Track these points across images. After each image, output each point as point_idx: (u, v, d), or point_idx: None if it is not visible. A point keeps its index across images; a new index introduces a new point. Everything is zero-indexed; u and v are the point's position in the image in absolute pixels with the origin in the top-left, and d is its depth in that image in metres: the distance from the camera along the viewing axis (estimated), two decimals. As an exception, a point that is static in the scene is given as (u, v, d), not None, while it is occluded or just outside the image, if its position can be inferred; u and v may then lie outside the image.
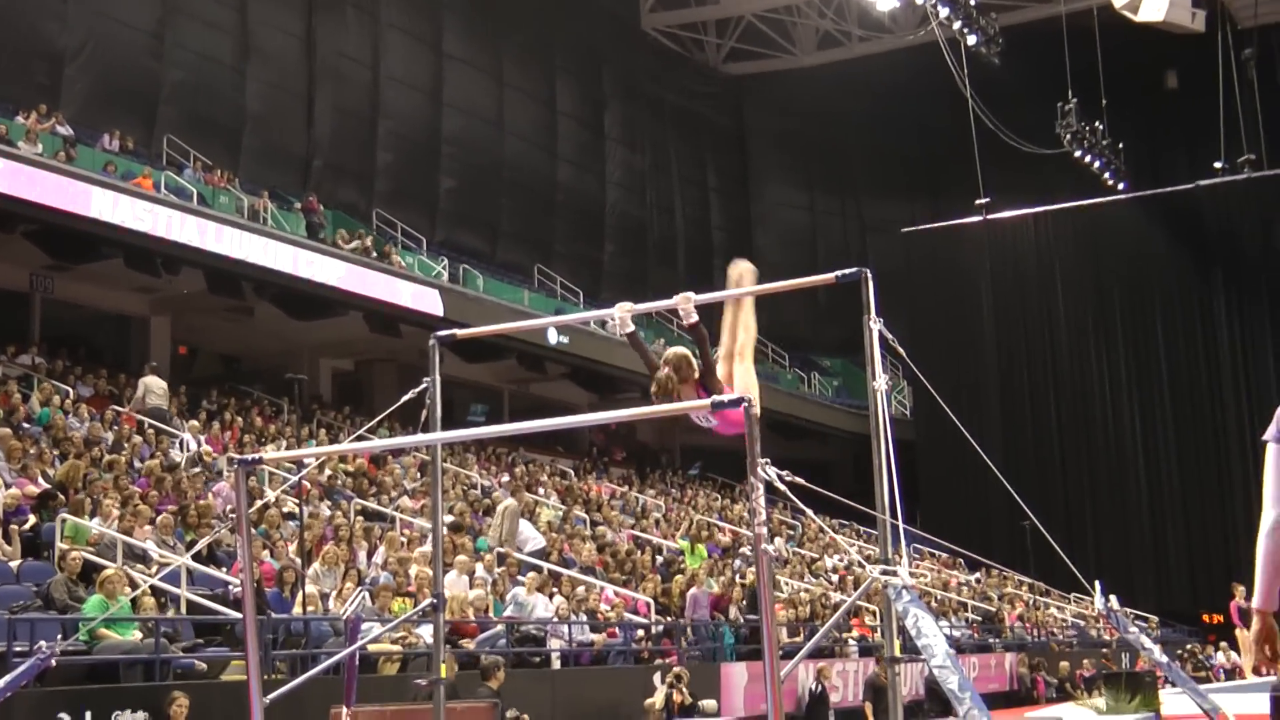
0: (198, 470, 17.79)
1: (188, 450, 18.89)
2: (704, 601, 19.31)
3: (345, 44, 32.28)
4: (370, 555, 16.41)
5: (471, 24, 35.74)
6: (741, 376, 7.88)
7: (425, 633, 13.58)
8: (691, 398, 7.29)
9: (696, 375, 7.51)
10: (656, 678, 16.18)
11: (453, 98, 34.85)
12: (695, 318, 7.85)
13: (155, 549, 13.65)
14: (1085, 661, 26.26)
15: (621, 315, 8.16)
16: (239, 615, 10.33)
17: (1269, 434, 6.60)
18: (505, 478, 25.09)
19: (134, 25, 27.71)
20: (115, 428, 18.73)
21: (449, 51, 34.88)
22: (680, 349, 7.68)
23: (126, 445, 17.83)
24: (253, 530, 14.94)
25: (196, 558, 13.68)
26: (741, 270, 8.29)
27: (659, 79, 42.46)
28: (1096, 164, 35.12)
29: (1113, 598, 11.42)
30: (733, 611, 19.81)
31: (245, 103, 29.81)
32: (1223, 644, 30.51)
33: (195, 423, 20.46)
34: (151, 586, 12.39)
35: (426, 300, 26.48)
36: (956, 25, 31.76)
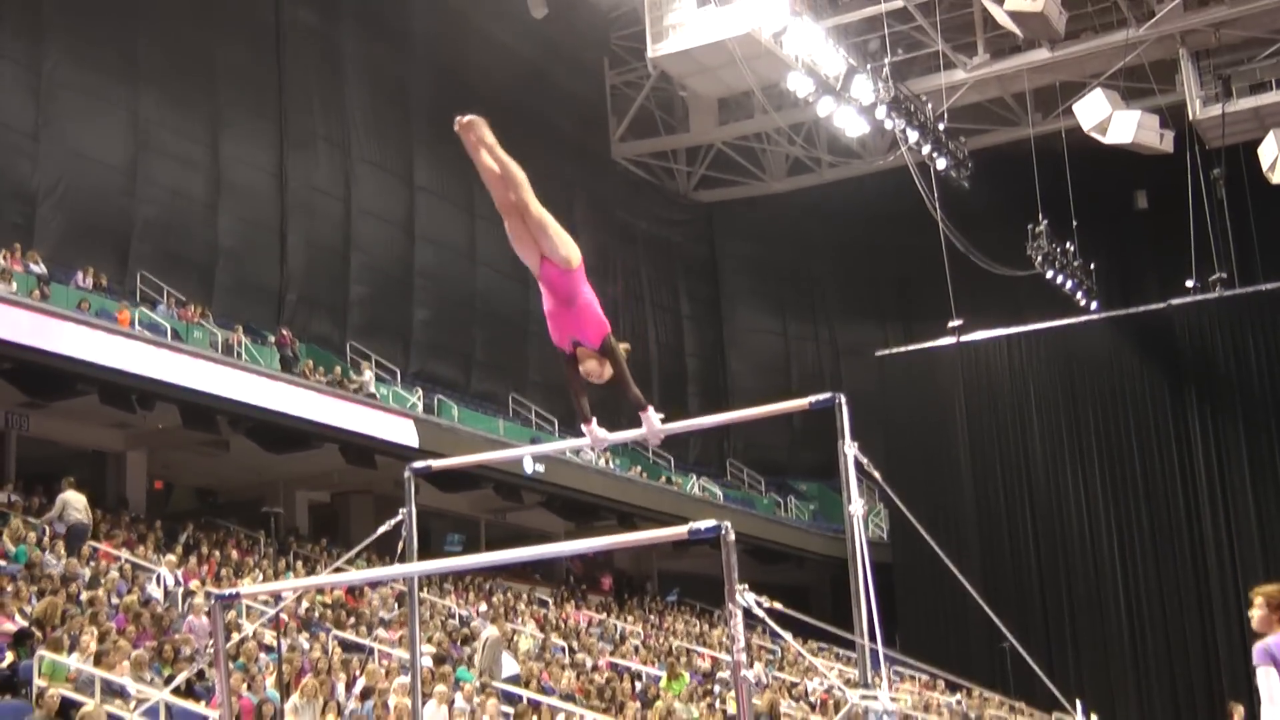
0: (168, 604, 17.79)
1: (164, 584, 18.89)
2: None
3: (317, 178, 32.60)
4: (349, 687, 16.41)
5: (442, 156, 36.07)
6: (547, 229, 8.20)
7: (406, 765, 13.59)
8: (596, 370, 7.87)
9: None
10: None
11: (425, 229, 35.17)
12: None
13: (133, 685, 13.66)
14: (1070, 785, 26.14)
15: (595, 441, 8.36)
16: (220, 750, 10.37)
17: (1255, 660, 7.39)
18: (483, 607, 25.06)
19: (106, 162, 28.00)
20: (91, 563, 18.75)
21: (420, 184, 35.25)
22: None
23: (103, 581, 17.84)
24: (231, 664, 14.99)
25: (175, 692, 13.70)
26: (463, 121, 8.37)
27: (630, 207, 42.88)
28: (1068, 284, 35.50)
29: (1094, 717, 11.55)
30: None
31: (218, 238, 30.04)
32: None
33: (172, 557, 20.46)
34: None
35: (401, 431, 26.60)
36: (925, 150, 32.24)
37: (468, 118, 8.24)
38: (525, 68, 38.09)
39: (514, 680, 19.32)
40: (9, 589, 15.86)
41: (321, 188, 32.69)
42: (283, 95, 32.05)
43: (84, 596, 16.49)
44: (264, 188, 31.50)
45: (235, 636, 15.37)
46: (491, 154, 8.16)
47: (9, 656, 13.81)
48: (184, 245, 29.22)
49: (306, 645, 17.71)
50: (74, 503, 20.11)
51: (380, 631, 20.34)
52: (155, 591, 18.43)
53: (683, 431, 8.35)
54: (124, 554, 20.08)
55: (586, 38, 40.41)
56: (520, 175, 8.13)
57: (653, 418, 8.18)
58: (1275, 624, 8.16)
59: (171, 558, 20.34)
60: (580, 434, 8.58)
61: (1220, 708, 28.61)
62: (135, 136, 28.61)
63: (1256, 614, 8.26)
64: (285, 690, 14.66)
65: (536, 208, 8.10)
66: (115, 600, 17.20)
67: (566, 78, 39.99)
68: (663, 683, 22.78)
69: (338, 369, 28.55)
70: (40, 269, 23.93)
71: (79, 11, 27.80)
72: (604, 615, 29.84)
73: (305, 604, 19.97)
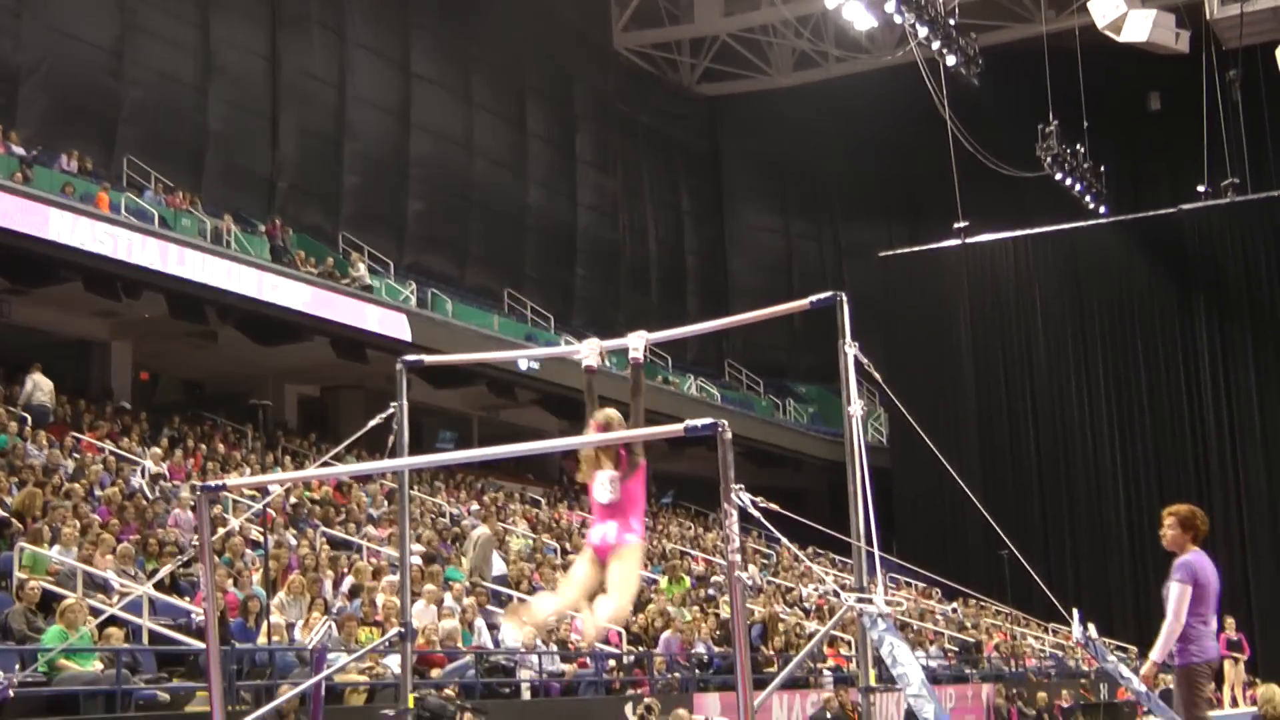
0: (157, 496, 17.80)
1: (148, 476, 18.89)
2: (675, 646, 19.26)
3: (311, 63, 32.31)
4: (337, 585, 16.43)
5: (440, 43, 35.82)
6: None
7: (392, 663, 13.63)
8: (610, 464, 7.22)
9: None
10: (628, 708, 16.23)
11: (421, 119, 34.93)
12: (640, 357, 7.94)
13: (116, 578, 13.66)
14: (1064, 692, 26.31)
15: (590, 351, 8.26)
16: (202, 645, 10.38)
17: (1175, 577, 7.69)
18: (474, 506, 25.11)
19: (92, 42, 27.70)
20: (75, 455, 18.73)
21: (417, 71, 34.97)
22: (615, 412, 7.58)
23: (87, 472, 17.82)
24: (216, 559, 14.99)
25: (159, 587, 13.70)
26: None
27: (631, 100, 42.58)
28: (1077, 187, 35.28)
29: (1091, 627, 11.56)
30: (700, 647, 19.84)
31: (208, 123, 29.82)
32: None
33: (157, 449, 20.44)
34: (113, 616, 12.40)
35: (394, 325, 26.52)
36: (935, 45, 31.88)
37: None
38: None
39: (501, 580, 19.37)
40: (-11, 478, 15.84)
41: (315, 73, 32.41)
42: (277, -28, 31.71)
43: (65, 488, 16.45)
44: (255, 72, 31.23)
45: (221, 531, 15.35)
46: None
47: (-11, 547, 13.80)
48: (172, 130, 28.99)
49: (294, 541, 17.72)
50: (41, 385, 20.39)
51: (369, 529, 20.35)
52: (140, 483, 18.41)
53: (679, 337, 8.23)
54: (108, 445, 20.05)
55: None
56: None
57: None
58: (1187, 542, 8.46)
59: (157, 450, 20.34)
60: (574, 333, 8.49)
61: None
62: (122, 15, 28.27)
63: (1169, 533, 8.53)
64: (272, 587, 14.66)
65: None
66: (99, 492, 17.18)
67: (569, -39, 39.66)
68: (662, 583, 22.85)
69: (329, 260, 28.44)
70: (22, 151, 23.71)
71: (64, -117, 27.40)
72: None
73: (293, 499, 19.97)
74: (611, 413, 7.58)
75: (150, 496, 17.74)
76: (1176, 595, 8.30)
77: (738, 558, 5.94)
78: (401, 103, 34.60)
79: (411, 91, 34.82)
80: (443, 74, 35.70)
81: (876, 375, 8.47)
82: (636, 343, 8.00)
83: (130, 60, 28.34)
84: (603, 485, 7.22)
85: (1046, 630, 32.56)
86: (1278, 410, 35.01)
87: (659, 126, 43.93)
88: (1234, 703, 22.14)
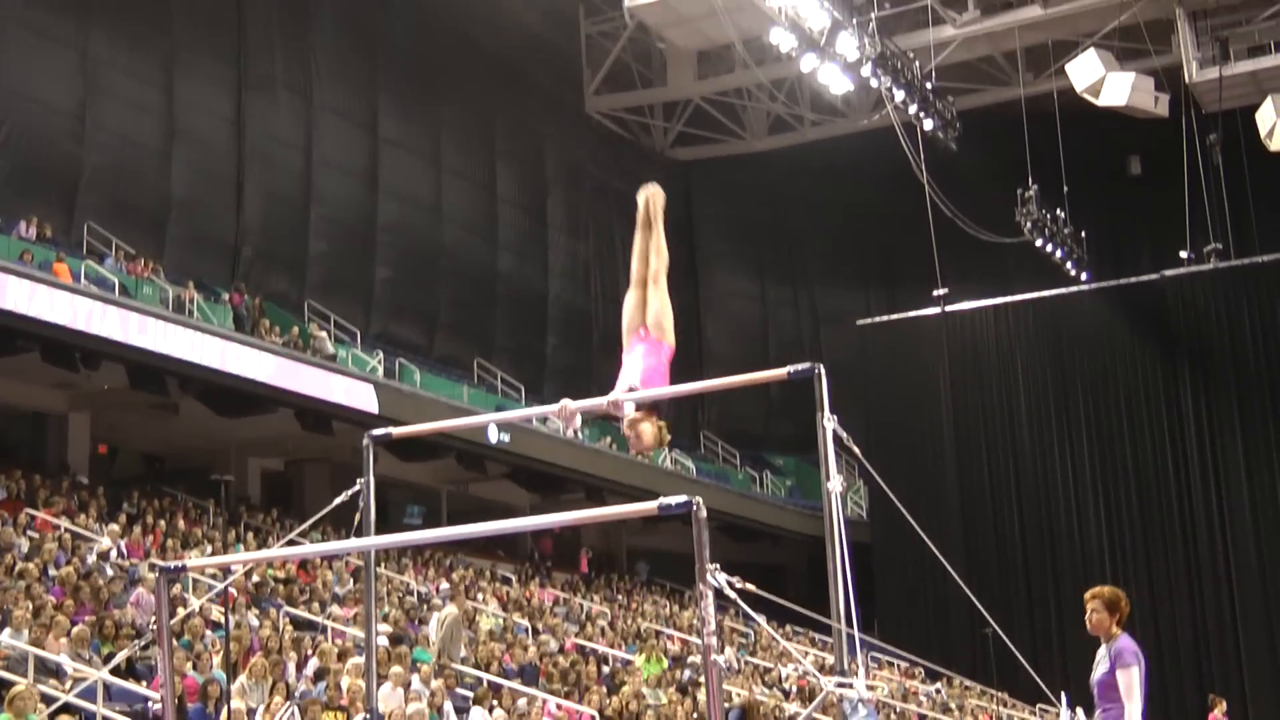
0: (114, 576, 17.63)
1: (106, 555, 18.71)
2: None
3: (276, 126, 32.32)
4: (300, 667, 16.27)
5: (408, 106, 35.88)
6: (658, 304, 8.65)
7: (358, 749, 13.48)
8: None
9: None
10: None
11: (389, 183, 34.93)
12: (626, 413, 8.11)
13: (70, 663, 13.49)
14: (1051, 776, 26.19)
15: (566, 414, 8.30)
16: (160, 733, 10.23)
17: (1123, 662, 7.75)
18: (443, 584, 24.95)
19: (53, 106, 27.66)
20: (30, 533, 18.56)
21: (385, 135, 35.01)
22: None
23: (41, 551, 17.64)
24: (175, 642, 14.83)
25: (115, 672, 13.53)
26: (650, 193, 8.78)
27: (603, 164, 42.65)
28: (1058, 253, 35.46)
29: (1079, 710, 11.49)
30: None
31: (170, 188, 29.76)
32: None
33: (115, 526, 20.28)
34: (66, 704, 12.24)
35: (361, 396, 26.43)
36: (912, 109, 32.11)
37: (653, 187, 8.81)
38: (498, 13, 37.82)
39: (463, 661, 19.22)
40: (-60, 557, 15.67)
41: (281, 136, 32.41)
42: (242, 35, 31.70)
43: (19, 567, 16.28)
44: (220, 135, 31.22)
45: (181, 612, 15.20)
46: (655, 229, 8.72)
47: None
48: (134, 195, 28.93)
49: (256, 622, 17.56)
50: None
51: (334, 609, 20.19)
52: (97, 563, 18.24)
53: (653, 400, 8.26)
54: (64, 522, 19.88)
55: (561, -18, 40.17)
56: (666, 256, 8.76)
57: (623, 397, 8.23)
58: (1113, 625, 8.59)
59: (115, 527, 20.17)
60: (546, 402, 8.59)
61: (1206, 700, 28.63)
62: (84, 78, 28.24)
63: (1094, 617, 8.66)
64: (233, 670, 14.51)
65: (664, 289, 8.72)
66: (53, 571, 17.01)
67: (539, 24, 39.65)
68: (639, 661, 22.70)
69: (295, 329, 28.37)
70: (-20, 219, 23.66)
71: (23, -57, 27.46)
72: (570, 594, 29.76)
73: (255, 578, 19.81)
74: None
75: (107, 576, 17.57)
76: (1133, 680, 8.37)
77: (714, 641, 5.88)
78: (369, 167, 34.62)
79: (379, 155, 34.85)
80: (411, 137, 35.76)
81: (855, 449, 8.45)
82: (563, 415, 8.26)
83: (92, 123, 28.29)
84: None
85: (1034, 712, 32.39)
86: (1266, 481, 34.99)
87: (632, 191, 43.15)
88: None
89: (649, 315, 8.64)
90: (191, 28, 30.61)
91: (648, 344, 8.53)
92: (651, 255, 8.66)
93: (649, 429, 8.06)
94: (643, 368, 8.34)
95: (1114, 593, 8.66)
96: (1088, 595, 8.69)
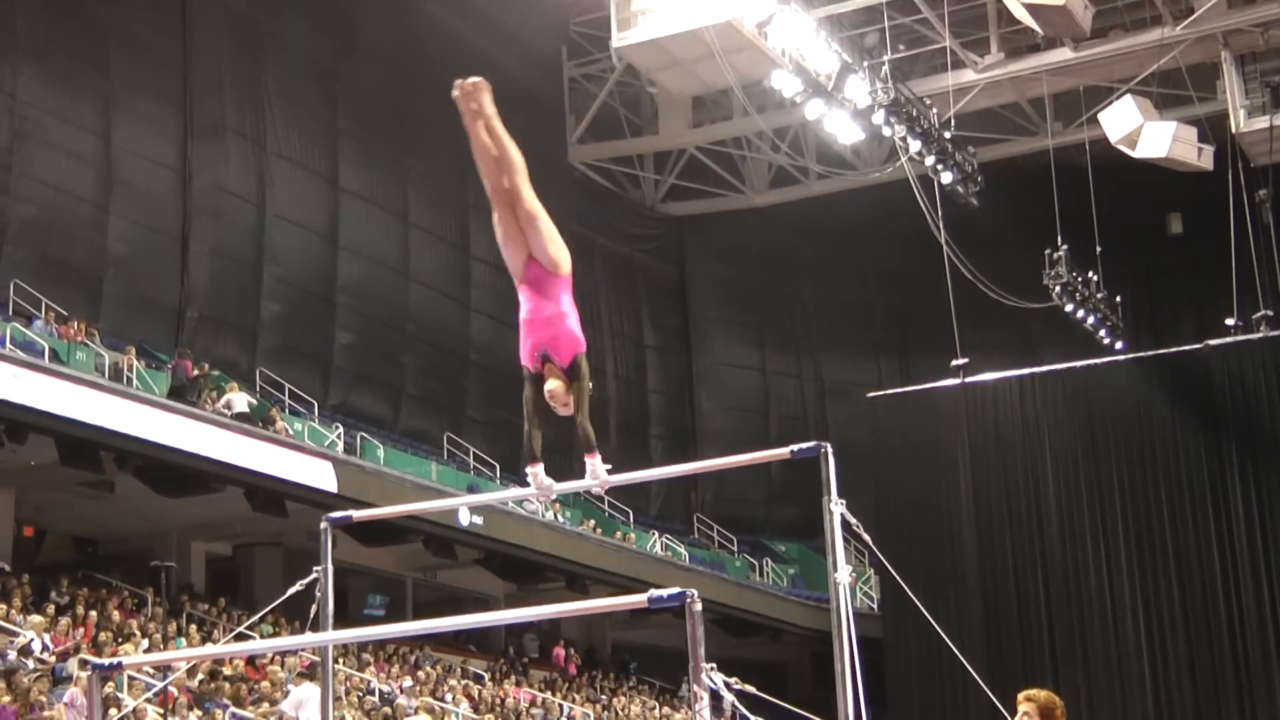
0: (40, 674, 17.57)
1: (31, 651, 18.68)
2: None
3: (226, 176, 32.35)
4: (247, 775, 16.24)
5: (372, 154, 35.98)
6: (539, 226, 8.44)
7: None
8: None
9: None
10: None
11: (350, 239, 34.97)
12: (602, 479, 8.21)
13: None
14: None
15: (541, 495, 8.36)
16: None
17: None
18: (408, 682, 24.88)
19: (-26, 152, 27.80)
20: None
21: (346, 186, 35.08)
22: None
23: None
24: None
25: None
26: (463, 84, 8.82)
27: (588, 219, 42.71)
28: (1090, 320, 35.50)
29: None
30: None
31: (107, 243, 29.76)
32: None
33: (40, 618, 20.21)
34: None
35: (318, 474, 26.38)
36: (929, 161, 32.20)
37: (472, 80, 8.70)
38: (471, 54, 37.93)
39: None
40: None
41: (230, 187, 32.45)
42: (188, 76, 31.81)
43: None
44: (163, 185, 31.25)
45: (115, 714, 15.16)
46: (490, 129, 8.56)
47: None
48: (67, 251, 28.95)
49: (198, 723, 17.51)
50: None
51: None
52: (17, 660, 18.19)
53: (643, 482, 8.31)
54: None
55: (542, 22, 40.34)
56: (519, 159, 8.52)
57: (598, 467, 8.22)
58: None
59: (40, 619, 20.10)
60: (525, 482, 8.56)
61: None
62: (11, 120, 28.26)
63: None
64: (171, 776, 14.49)
65: (530, 198, 8.40)
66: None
67: (518, 67, 39.79)
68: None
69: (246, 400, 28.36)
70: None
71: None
72: (548, 693, 29.67)
73: (199, 675, 19.75)
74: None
75: (32, 674, 17.51)
76: None
77: (710, 748, 5.89)
78: (328, 221, 34.66)
79: (340, 208, 34.90)
80: (375, 189, 35.83)
81: (866, 536, 8.49)
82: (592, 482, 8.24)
83: (19, 172, 28.27)
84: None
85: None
86: (1322, 572, 34.89)
87: (618, 249, 44.12)
88: None
89: (534, 245, 8.34)
90: (132, 66, 30.72)
91: (548, 285, 8.32)
92: (500, 161, 8.47)
93: (558, 386, 8.10)
94: (566, 326, 8.31)
95: (1050, 698, 8.62)
96: (1021, 697, 8.67)
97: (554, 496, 8.56)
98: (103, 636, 20.54)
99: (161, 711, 16.41)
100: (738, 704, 6.44)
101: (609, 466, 8.43)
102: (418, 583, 33.83)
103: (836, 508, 8.18)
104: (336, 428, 30.57)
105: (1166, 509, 36.80)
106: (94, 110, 29.98)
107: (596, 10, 36.85)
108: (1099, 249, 34.50)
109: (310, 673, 22.09)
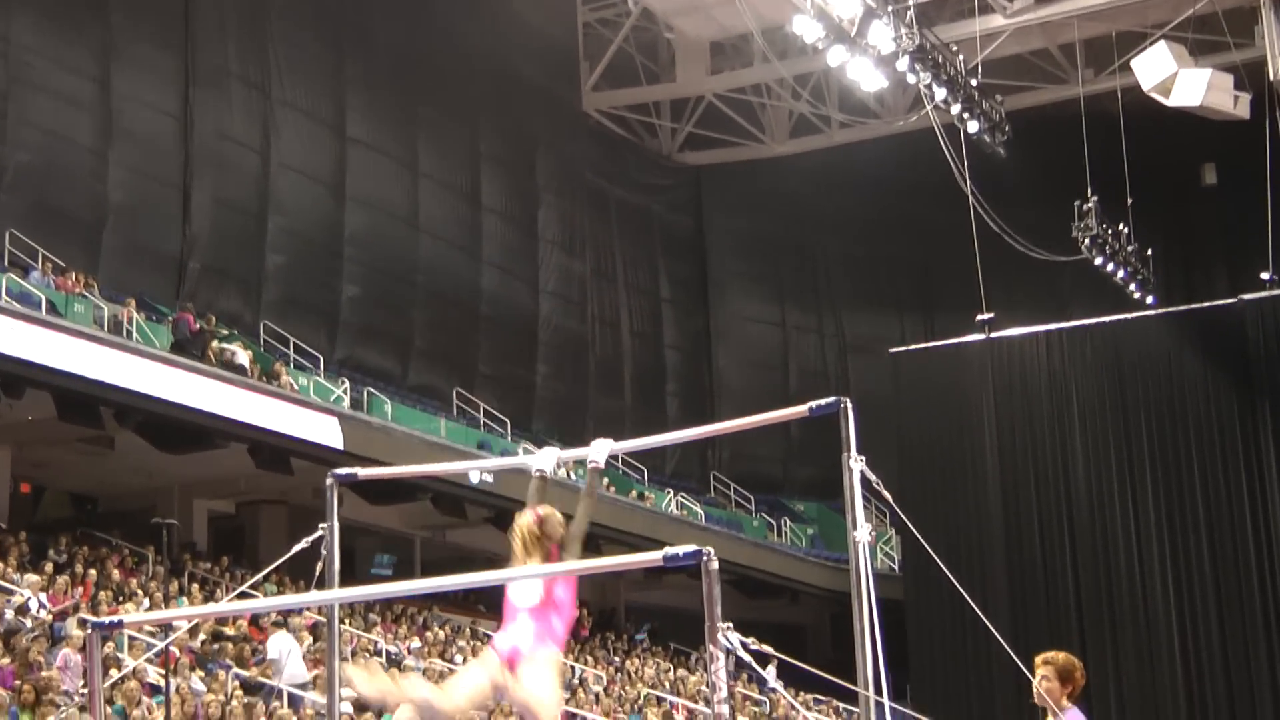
0: (37, 634, 17.61)
1: (29, 610, 18.71)
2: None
3: (229, 124, 32.31)
4: (250, 738, 16.26)
5: (381, 102, 35.89)
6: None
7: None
8: (539, 558, 7.62)
9: (558, 540, 7.75)
10: None
11: (357, 190, 34.91)
12: (600, 464, 8.05)
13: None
14: None
15: (547, 462, 8.30)
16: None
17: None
18: (416, 643, 24.92)
19: (-31, 98, 27.77)
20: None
21: (353, 135, 35.01)
22: (557, 514, 7.82)
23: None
24: (108, 709, 14.80)
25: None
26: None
27: (603, 169, 42.70)
28: (1120, 274, 35.39)
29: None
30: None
31: (107, 193, 29.73)
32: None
33: (38, 576, 20.24)
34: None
35: (323, 430, 26.39)
36: (955, 110, 32.05)
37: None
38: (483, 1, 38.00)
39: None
40: None
41: (234, 136, 32.43)
42: (190, 21, 31.74)
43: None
44: (164, 133, 31.21)
45: (115, 674, 15.18)
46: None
47: None
48: (65, 200, 28.93)
49: (201, 686, 17.54)
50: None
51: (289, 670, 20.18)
52: (15, 619, 18.23)
53: (656, 446, 8.27)
54: None
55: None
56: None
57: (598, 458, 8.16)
58: (1063, 697, 8.51)
59: (37, 578, 20.12)
60: (537, 439, 8.52)
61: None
62: (6, 66, 28.22)
63: (1044, 685, 8.55)
64: (172, 739, 14.51)
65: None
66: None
67: (531, 11, 39.74)
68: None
69: (250, 353, 28.36)
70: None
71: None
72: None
73: (201, 636, 19.79)
74: (553, 511, 7.78)
75: (30, 634, 17.54)
76: None
77: (725, 710, 5.87)
78: (335, 171, 34.61)
79: (347, 158, 34.83)
80: (383, 138, 35.76)
81: (887, 495, 8.45)
82: (598, 453, 8.03)
83: (16, 119, 28.20)
84: (525, 583, 7.28)
85: (1088, 793, 32.30)
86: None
87: (634, 200, 44.05)
88: None
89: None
90: (132, 12, 30.64)
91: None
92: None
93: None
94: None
95: (1069, 660, 8.60)
96: (1039, 659, 8.64)
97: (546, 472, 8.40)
98: (102, 595, 20.59)
99: (162, 672, 16.43)
100: (755, 663, 6.40)
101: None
102: (426, 542, 33.90)
103: (856, 465, 8.13)
104: (343, 382, 30.59)
105: (1197, 467, 36.69)
106: (92, 55, 29.89)
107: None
108: (1130, 200, 34.37)
109: (284, 622, 22.14)
